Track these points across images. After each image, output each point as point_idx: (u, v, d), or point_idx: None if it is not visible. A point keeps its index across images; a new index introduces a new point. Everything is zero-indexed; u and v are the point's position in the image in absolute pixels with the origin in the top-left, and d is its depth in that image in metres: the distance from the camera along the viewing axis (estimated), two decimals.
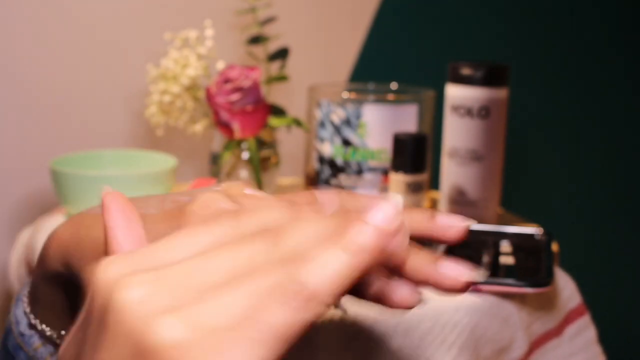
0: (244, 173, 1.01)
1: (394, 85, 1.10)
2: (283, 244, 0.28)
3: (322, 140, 1.02)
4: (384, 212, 0.28)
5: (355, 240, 0.28)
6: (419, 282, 0.34)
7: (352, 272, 0.27)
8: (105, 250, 0.32)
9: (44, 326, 0.41)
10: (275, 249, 0.28)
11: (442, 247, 0.81)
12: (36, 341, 0.41)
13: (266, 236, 0.29)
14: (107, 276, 0.27)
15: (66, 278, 0.39)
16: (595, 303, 0.97)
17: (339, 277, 0.27)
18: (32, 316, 0.41)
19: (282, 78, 1.04)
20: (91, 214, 0.39)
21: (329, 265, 0.27)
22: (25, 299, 0.42)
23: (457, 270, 0.34)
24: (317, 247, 0.28)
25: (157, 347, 0.25)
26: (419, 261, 0.34)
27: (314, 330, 0.68)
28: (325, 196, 0.36)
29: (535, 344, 0.80)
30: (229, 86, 0.95)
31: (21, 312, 0.42)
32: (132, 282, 0.27)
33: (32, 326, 0.41)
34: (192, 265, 0.27)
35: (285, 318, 0.26)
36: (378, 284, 0.34)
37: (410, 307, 0.33)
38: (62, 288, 0.40)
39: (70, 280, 0.38)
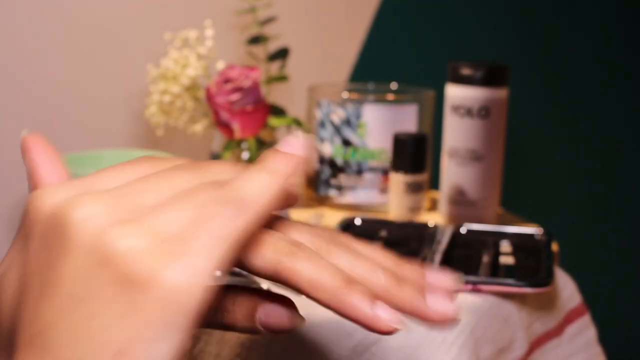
0: None
1: (394, 85, 1.10)
2: (210, 174, 0.33)
3: (322, 140, 1.02)
4: (293, 144, 0.34)
5: (272, 165, 0.33)
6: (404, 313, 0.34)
7: (274, 189, 0.32)
8: (31, 187, 0.33)
9: None
10: (203, 176, 0.32)
11: (440, 249, 0.81)
12: None
13: (192, 168, 0.33)
14: (53, 199, 0.29)
15: None
16: (595, 303, 0.97)
17: (265, 189, 0.31)
18: None
19: (282, 78, 1.04)
20: None
21: (255, 180, 0.32)
22: None
23: (444, 304, 0.33)
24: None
25: (119, 254, 0.28)
26: (405, 295, 0.34)
27: (312, 330, 0.68)
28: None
29: (535, 344, 0.80)
30: (229, 86, 0.95)
31: None
32: (85, 201, 0.29)
33: None
34: (134, 187, 0.30)
35: (227, 224, 0.30)
36: (247, 304, 0.36)
37: (283, 331, 0.35)
38: None
39: None
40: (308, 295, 0.32)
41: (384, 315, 0.32)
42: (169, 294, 0.27)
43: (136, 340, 0.27)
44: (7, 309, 0.30)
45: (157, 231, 0.28)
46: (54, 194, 0.30)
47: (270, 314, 0.34)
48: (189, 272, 0.28)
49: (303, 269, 0.32)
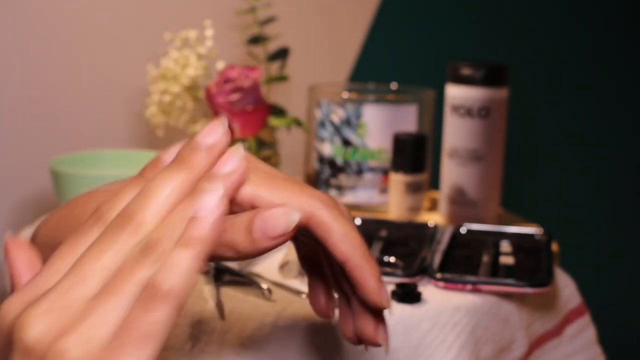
0: None
1: (394, 85, 1.10)
2: (140, 233, 0.33)
3: (322, 140, 1.02)
4: (213, 197, 0.33)
5: (193, 234, 0.32)
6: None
7: (198, 262, 0.32)
8: (11, 288, 0.36)
9: None
10: (133, 241, 0.33)
11: (440, 249, 0.81)
12: None
13: (124, 228, 0.33)
14: (8, 317, 0.32)
15: None
16: (595, 303, 0.97)
17: (187, 272, 0.32)
18: None
19: (282, 78, 1.04)
20: (79, 200, 0.40)
21: (177, 265, 0.32)
22: None
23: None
24: (168, 237, 0.33)
25: None
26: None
27: (313, 331, 0.68)
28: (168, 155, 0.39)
29: (535, 344, 0.80)
30: (229, 86, 0.95)
31: None
32: (29, 320, 0.31)
33: None
34: (67, 283, 0.32)
35: (151, 319, 0.31)
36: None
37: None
38: None
39: None
40: (332, 248, 0.38)
41: (386, 295, 0.37)
42: None
43: None
44: None
45: (92, 336, 0.31)
46: (11, 306, 0.32)
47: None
48: None
49: (337, 223, 0.37)
